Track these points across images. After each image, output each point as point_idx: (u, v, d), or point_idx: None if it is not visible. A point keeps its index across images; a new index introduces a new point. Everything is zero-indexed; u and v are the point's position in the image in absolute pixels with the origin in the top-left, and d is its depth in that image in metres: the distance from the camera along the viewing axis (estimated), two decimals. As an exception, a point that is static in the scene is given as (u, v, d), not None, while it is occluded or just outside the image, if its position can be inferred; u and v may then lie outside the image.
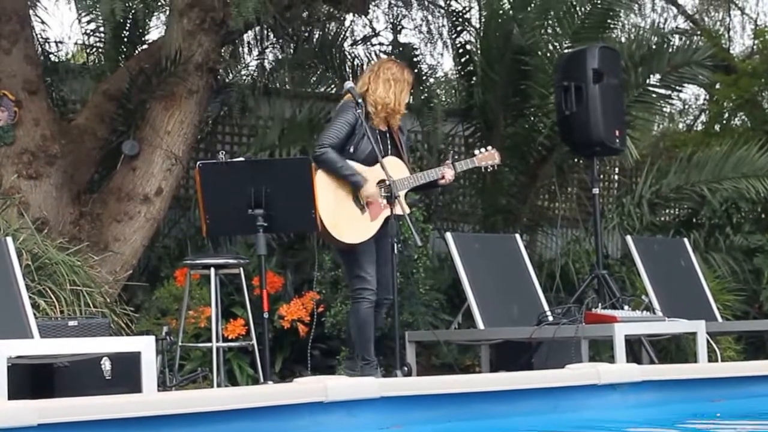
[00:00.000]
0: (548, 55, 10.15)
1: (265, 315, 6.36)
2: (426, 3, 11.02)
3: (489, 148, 7.42)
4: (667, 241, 9.90)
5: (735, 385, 5.75)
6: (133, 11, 9.65)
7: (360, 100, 6.80)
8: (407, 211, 6.81)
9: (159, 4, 10.17)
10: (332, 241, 6.85)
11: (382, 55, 10.69)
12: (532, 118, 10.47)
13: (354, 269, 6.85)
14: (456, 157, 11.39)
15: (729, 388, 5.71)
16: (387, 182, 6.64)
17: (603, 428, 5.21)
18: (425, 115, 10.32)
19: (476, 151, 7.40)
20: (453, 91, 12.32)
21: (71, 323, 6.31)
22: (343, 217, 6.69)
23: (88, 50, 10.26)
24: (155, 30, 10.34)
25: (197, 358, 7.88)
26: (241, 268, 7.25)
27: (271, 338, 6.93)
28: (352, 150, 6.75)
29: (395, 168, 6.79)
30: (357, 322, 6.82)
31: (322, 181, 6.64)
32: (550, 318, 7.20)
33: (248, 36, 10.26)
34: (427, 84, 10.66)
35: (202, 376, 7.36)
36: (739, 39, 16.05)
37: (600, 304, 7.34)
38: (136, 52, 9.71)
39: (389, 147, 6.91)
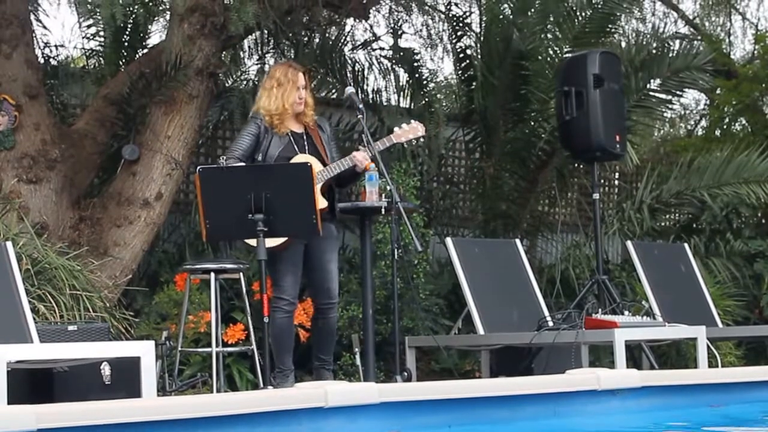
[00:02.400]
0: (548, 59, 10.15)
1: (265, 320, 6.35)
2: (426, 8, 11.01)
3: (412, 122, 7.22)
4: (667, 246, 9.90)
5: (735, 391, 5.75)
6: (133, 16, 9.65)
7: (361, 105, 6.86)
8: (324, 205, 6.77)
9: (160, 8, 10.17)
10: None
11: (383, 60, 10.70)
12: (532, 123, 10.47)
13: (273, 277, 6.87)
14: (450, 161, 11.43)
15: (729, 394, 5.71)
16: None
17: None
18: (426, 119, 10.32)
19: (396, 128, 7.23)
20: (453, 96, 12.32)
21: (71, 328, 6.30)
22: None
23: (88, 54, 10.25)
24: (156, 34, 10.35)
25: (197, 363, 7.87)
26: (241, 273, 7.25)
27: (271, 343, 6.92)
28: (260, 158, 6.83)
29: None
30: (272, 331, 6.73)
31: None
32: (550, 323, 7.20)
33: (249, 41, 10.26)
34: (428, 89, 10.66)
35: (202, 381, 7.34)
36: (740, 44, 16.05)
37: (600, 310, 7.32)
38: (137, 56, 9.71)
39: (305, 146, 6.91)
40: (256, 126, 6.89)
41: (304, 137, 6.93)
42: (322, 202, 6.75)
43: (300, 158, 6.80)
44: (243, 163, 6.75)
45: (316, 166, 6.78)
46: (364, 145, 6.94)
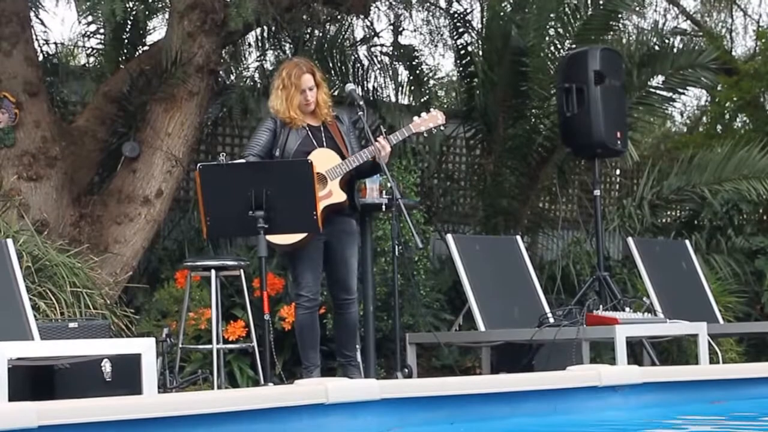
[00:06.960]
0: (549, 56, 10.14)
1: (266, 317, 6.34)
2: (427, 4, 11.00)
3: (432, 110, 7.07)
4: (668, 242, 9.89)
5: (736, 387, 5.73)
6: (133, 12, 9.64)
7: (361, 102, 6.81)
8: (342, 198, 6.70)
9: (159, 5, 10.16)
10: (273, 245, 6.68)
11: (384, 57, 10.69)
12: (532, 120, 10.47)
13: (293, 274, 6.88)
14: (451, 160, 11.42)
15: (730, 390, 5.70)
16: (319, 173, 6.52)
17: (604, 430, 5.21)
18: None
19: (415, 117, 7.03)
20: (454, 93, 12.31)
21: (71, 325, 6.30)
22: None
23: (88, 52, 10.25)
24: (156, 32, 10.34)
25: (197, 360, 7.87)
26: (242, 270, 7.25)
27: (272, 340, 6.91)
28: (278, 153, 6.76)
29: (325, 158, 6.68)
30: (296, 328, 6.85)
31: None
32: (551, 320, 7.19)
33: (249, 37, 10.25)
34: (428, 85, 10.65)
35: (203, 378, 7.35)
36: (741, 40, 16.05)
37: (601, 306, 7.32)
38: (137, 53, 9.70)
39: (323, 140, 6.80)
40: (272, 121, 6.82)
41: (322, 131, 6.82)
42: (340, 196, 6.70)
43: (318, 152, 6.70)
44: (260, 159, 6.70)
45: (335, 159, 6.72)
46: (383, 135, 6.80)
